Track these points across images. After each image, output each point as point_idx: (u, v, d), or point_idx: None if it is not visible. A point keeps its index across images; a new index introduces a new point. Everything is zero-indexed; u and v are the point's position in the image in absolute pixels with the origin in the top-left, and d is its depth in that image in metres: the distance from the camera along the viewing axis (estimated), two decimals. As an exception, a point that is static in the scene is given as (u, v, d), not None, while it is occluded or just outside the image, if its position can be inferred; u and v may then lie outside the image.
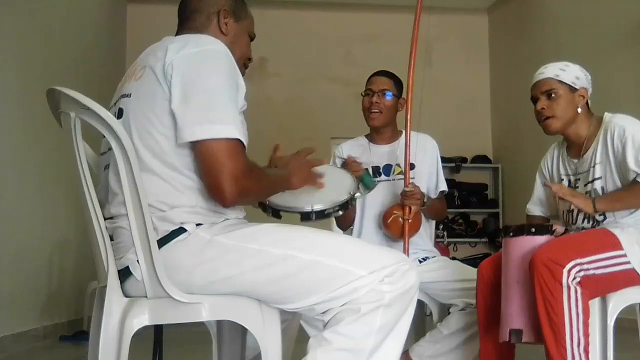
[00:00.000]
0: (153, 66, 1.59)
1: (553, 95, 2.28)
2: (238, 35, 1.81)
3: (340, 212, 1.89)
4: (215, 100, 1.53)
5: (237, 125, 1.53)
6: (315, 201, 1.83)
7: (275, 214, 1.84)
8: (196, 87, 1.54)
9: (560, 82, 2.28)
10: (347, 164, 2.67)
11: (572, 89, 2.29)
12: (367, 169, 2.77)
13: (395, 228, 2.67)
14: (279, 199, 1.82)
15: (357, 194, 1.97)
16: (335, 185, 1.93)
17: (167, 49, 1.59)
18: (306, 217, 1.82)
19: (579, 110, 2.30)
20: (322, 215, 1.84)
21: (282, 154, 2.00)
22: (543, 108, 2.29)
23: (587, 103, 2.33)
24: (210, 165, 1.51)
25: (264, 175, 1.69)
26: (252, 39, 1.87)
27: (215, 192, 1.52)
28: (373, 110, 2.80)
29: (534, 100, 2.34)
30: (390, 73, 2.87)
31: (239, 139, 1.53)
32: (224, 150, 1.50)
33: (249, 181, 1.54)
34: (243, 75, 1.81)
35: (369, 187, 2.69)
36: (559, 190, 2.21)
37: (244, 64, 1.84)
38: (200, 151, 1.52)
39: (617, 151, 2.21)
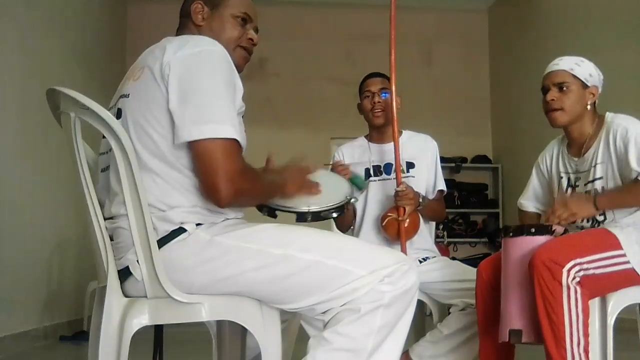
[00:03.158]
0: (151, 66, 1.59)
1: (565, 88, 2.27)
2: (218, 21, 1.75)
3: (336, 215, 1.88)
4: (212, 101, 1.53)
5: (233, 125, 1.53)
6: (311, 202, 1.82)
7: (271, 212, 1.82)
8: (193, 88, 1.53)
9: (574, 76, 2.27)
10: (334, 168, 2.68)
11: (584, 85, 2.28)
12: (353, 172, 2.73)
13: (391, 230, 2.67)
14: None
15: (353, 200, 1.97)
16: (332, 188, 1.92)
17: (165, 49, 1.59)
18: (301, 218, 1.80)
19: (588, 107, 2.30)
20: (317, 216, 1.83)
21: (274, 166, 1.98)
22: (553, 99, 2.28)
23: (594, 102, 2.32)
24: (206, 165, 1.51)
25: (260, 178, 1.68)
26: (243, 19, 1.78)
27: (211, 191, 1.52)
28: (377, 109, 2.82)
29: (545, 90, 2.32)
30: (382, 74, 2.89)
31: (235, 139, 1.53)
32: (220, 150, 1.50)
33: (244, 182, 1.54)
34: (246, 60, 1.79)
35: (360, 188, 2.65)
36: (560, 220, 2.17)
37: (238, 46, 1.77)
38: (196, 151, 1.52)
39: (620, 151, 2.21)
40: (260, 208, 1.84)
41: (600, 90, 2.33)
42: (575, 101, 2.28)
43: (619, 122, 2.25)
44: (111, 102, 1.72)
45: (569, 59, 2.32)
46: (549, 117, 2.33)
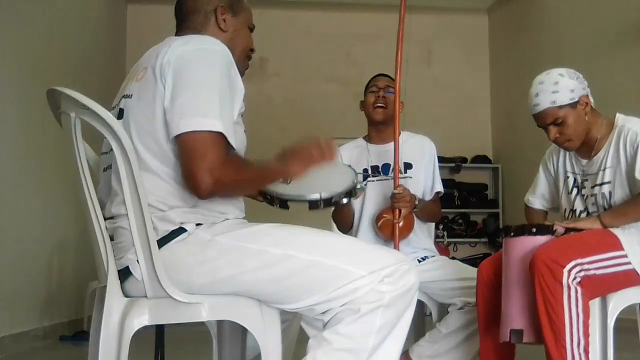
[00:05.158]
0: (153, 66, 1.59)
1: (560, 121, 2.22)
2: (238, 29, 1.80)
3: (346, 200, 1.82)
4: (201, 94, 1.53)
5: (222, 119, 1.51)
6: (322, 189, 1.75)
7: (283, 204, 1.75)
8: (185, 82, 1.54)
9: (560, 107, 2.21)
10: None
11: (573, 105, 2.22)
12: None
13: (386, 231, 2.68)
14: (284, 190, 1.74)
15: (359, 186, 1.91)
16: (336, 174, 1.89)
17: (169, 47, 1.59)
18: (314, 206, 1.74)
19: (587, 118, 2.25)
20: (329, 202, 1.76)
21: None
22: (557, 137, 2.26)
23: (591, 107, 2.27)
24: (187, 156, 1.50)
25: (247, 166, 1.61)
26: (251, 30, 1.86)
27: (190, 182, 1.50)
28: (379, 104, 2.85)
29: (542, 128, 2.29)
30: (390, 76, 2.91)
31: (220, 133, 1.51)
32: (203, 141, 1.49)
33: (225, 172, 1.50)
34: (247, 68, 1.82)
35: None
36: (564, 228, 2.17)
37: (247, 55, 1.84)
38: (181, 143, 1.52)
39: (629, 156, 2.20)
40: (271, 201, 1.77)
41: (588, 91, 2.26)
42: (576, 125, 2.23)
43: (630, 127, 2.22)
44: (113, 102, 1.72)
45: (543, 91, 2.22)
46: (563, 148, 2.34)
